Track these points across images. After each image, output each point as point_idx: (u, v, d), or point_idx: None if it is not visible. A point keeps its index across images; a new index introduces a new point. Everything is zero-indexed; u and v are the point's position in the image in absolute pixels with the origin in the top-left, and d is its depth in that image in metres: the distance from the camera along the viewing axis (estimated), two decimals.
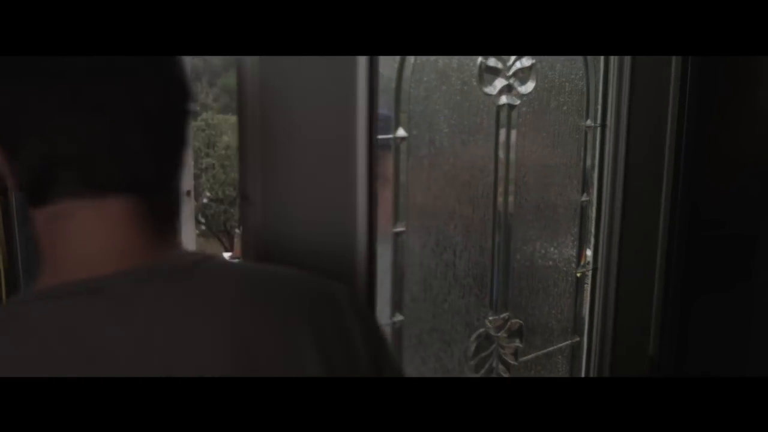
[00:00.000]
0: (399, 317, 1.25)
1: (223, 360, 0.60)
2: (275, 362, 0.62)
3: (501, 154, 1.36)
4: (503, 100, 1.34)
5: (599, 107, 1.52)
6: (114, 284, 0.60)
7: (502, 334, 1.42)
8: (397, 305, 1.25)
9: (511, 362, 1.45)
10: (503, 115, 1.35)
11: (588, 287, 1.58)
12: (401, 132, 1.22)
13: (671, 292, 1.63)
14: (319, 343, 0.64)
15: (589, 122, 1.51)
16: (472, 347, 1.38)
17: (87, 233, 0.62)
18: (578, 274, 1.57)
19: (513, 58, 1.35)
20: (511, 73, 1.35)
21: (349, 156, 1.05)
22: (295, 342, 0.64)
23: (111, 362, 0.57)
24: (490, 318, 1.40)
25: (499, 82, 1.33)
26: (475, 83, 1.30)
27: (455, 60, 1.27)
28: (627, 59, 1.48)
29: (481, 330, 1.39)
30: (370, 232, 1.09)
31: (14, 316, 0.60)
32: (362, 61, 1.04)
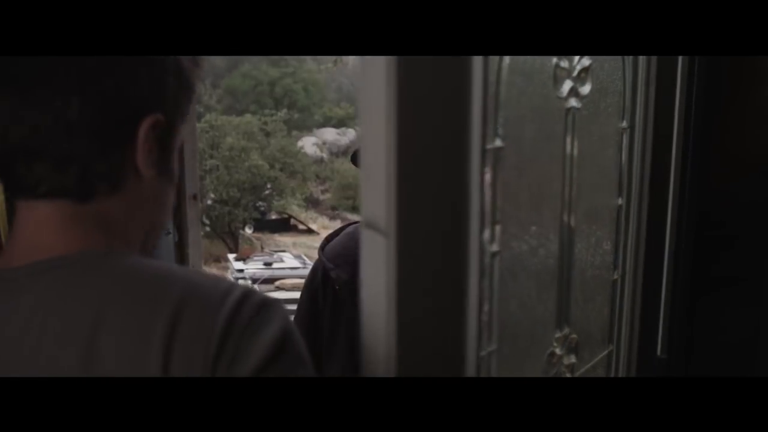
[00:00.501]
0: (491, 347, 1.07)
1: (72, 351, 0.63)
2: (117, 357, 0.63)
3: (568, 160, 1.26)
4: (571, 103, 1.25)
5: (629, 108, 1.46)
6: (10, 275, 0.67)
7: (564, 350, 1.34)
8: (488, 332, 1.08)
9: None
10: (570, 119, 1.25)
11: (619, 293, 1.53)
12: (498, 142, 1.06)
13: (679, 293, 1.63)
14: (164, 358, 0.62)
15: (624, 124, 1.45)
16: (543, 368, 1.29)
17: (21, 227, 0.69)
18: (614, 279, 1.51)
19: (577, 58, 1.25)
20: (575, 74, 1.25)
21: (463, 170, 0.90)
22: (139, 352, 0.63)
23: None
24: (557, 335, 1.31)
25: (567, 84, 1.23)
26: (550, 86, 1.19)
27: (537, 61, 1.16)
28: (654, 59, 1.44)
29: (550, 349, 1.30)
30: (481, 252, 0.95)
31: None
32: (478, 66, 0.90)
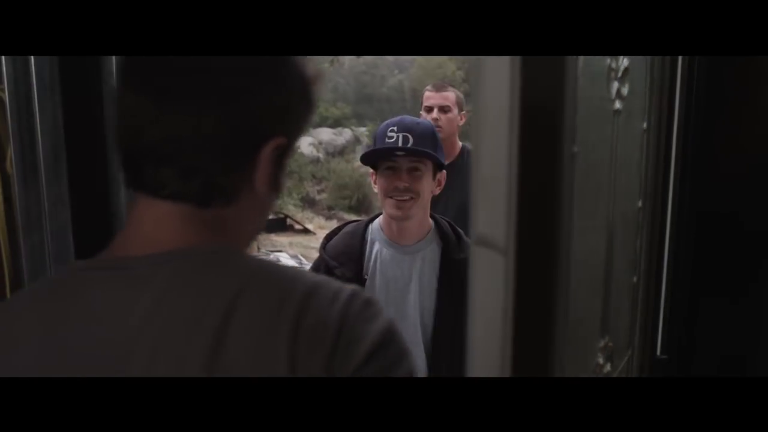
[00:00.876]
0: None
1: (200, 340, 0.66)
2: (243, 364, 0.66)
3: (613, 164, 1.25)
4: (617, 104, 1.23)
5: (647, 109, 1.45)
6: (133, 263, 0.70)
7: (604, 359, 1.33)
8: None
9: None
10: (616, 120, 1.24)
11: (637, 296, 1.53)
12: (575, 147, 1.02)
13: (679, 293, 1.62)
14: (290, 347, 0.66)
15: (644, 125, 1.45)
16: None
17: (140, 221, 0.73)
18: (634, 282, 1.51)
19: (621, 58, 1.22)
20: (620, 74, 1.23)
21: (561, 178, 0.84)
22: (268, 341, 0.66)
23: (117, 327, 0.67)
24: (600, 345, 1.29)
25: (614, 86, 1.21)
26: (604, 87, 1.17)
27: (597, 61, 1.13)
28: (661, 59, 1.43)
29: (595, 360, 1.29)
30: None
31: (65, 277, 0.75)
32: (572, 66, 0.86)
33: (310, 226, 25.63)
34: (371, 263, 1.87)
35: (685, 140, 1.56)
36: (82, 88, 1.30)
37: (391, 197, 1.81)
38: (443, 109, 3.16)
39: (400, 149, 1.77)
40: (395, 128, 1.81)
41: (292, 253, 17.66)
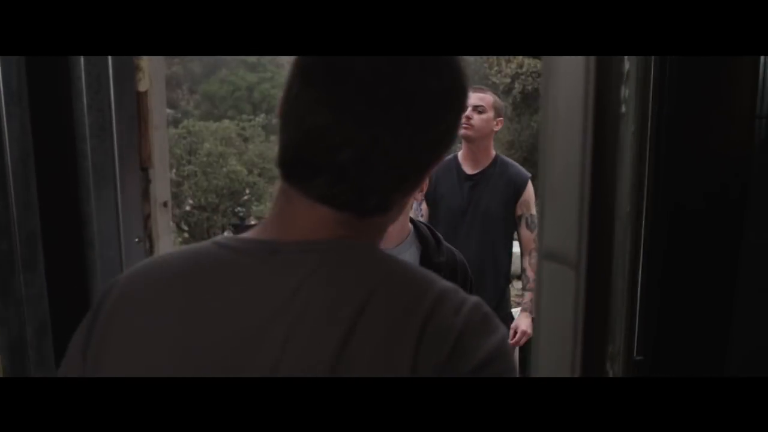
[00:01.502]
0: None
1: (335, 329, 0.67)
2: (370, 356, 0.67)
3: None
4: (623, 108, 1.20)
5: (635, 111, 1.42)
6: (288, 248, 0.73)
7: (609, 365, 1.29)
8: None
9: None
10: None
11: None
12: None
13: (652, 294, 1.62)
14: (416, 357, 0.67)
15: (633, 128, 1.42)
16: None
17: (294, 217, 0.75)
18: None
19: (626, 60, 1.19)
20: (626, 77, 1.20)
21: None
22: (394, 340, 0.67)
23: (257, 306, 0.70)
24: (609, 350, 1.25)
25: (623, 90, 1.19)
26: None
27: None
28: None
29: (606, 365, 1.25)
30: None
31: (207, 253, 0.76)
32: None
33: None
34: None
35: (658, 140, 1.56)
36: (50, 94, 1.26)
37: None
38: (477, 109, 3.00)
39: None
40: None
41: None
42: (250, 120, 25.12)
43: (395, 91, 0.69)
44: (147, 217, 1.41)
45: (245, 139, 23.25)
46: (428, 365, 0.68)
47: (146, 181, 1.43)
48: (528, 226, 3.09)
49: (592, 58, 0.70)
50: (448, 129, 0.75)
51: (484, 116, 3.03)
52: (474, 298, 0.74)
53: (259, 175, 21.96)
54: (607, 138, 0.71)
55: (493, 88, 20.73)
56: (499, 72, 17.53)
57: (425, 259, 1.91)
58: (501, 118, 3.09)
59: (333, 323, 0.69)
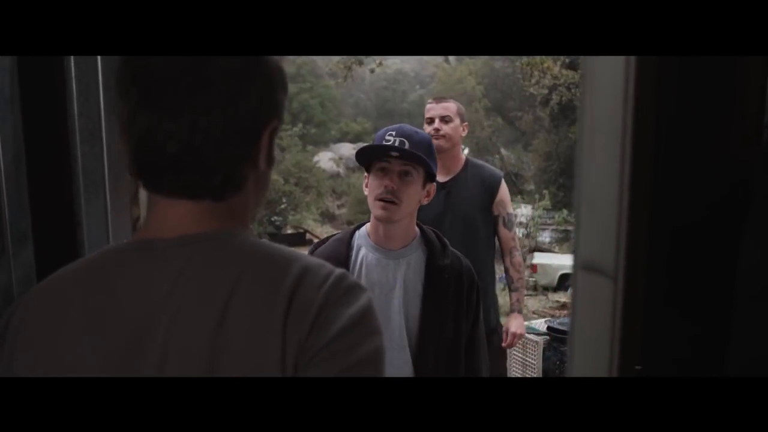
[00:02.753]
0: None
1: (210, 311, 0.76)
2: (244, 336, 0.75)
3: None
4: None
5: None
6: (164, 244, 0.80)
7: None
8: None
9: None
10: None
11: None
12: None
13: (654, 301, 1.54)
14: (284, 331, 0.75)
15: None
16: None
17: (164, 216, 0.82)
18: None
19: None
20: None
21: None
22: (265, 314, 0.75)
23: (144, 300, 0.78)
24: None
25: None
26: None
27: None
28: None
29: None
30: None
31: (101, 257, 0.84)
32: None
33: None
34: (356, 268, 1.87)
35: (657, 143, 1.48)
36: (42, 101, 1.30)
37: (379, 199, 1.81)
38: (444, 119, 3.05)
39: (395, 149, 1.77)
40: (393, 132, 1.82)
41: None
42: (287, 130, 25.51)
43: (195, 79, 0.76)
44: (136, 221, 1.44)
45: (282, 149, 23.63)
46: (295, 334, 0.75)
47: (136, 186, 1.45)
48: (505, 225, 3.08)
49: (633, 66, 0.70)
50: (262, 99, 0.81)
51: (451, 125, 3.08)
52: (339, 271, 0.81)
53: (296, 184, 22.29)
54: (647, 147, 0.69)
55: (530, 99, 20.74)
56: (537, 83, 17.41)
57: (431, 263, 1.86)
58: (466, 123, 3.14)
59: (208, 305, 0.76)
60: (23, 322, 0.81)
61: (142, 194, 1.46)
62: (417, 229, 1.93)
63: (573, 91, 17.50)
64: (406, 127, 1.87)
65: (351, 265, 1.87)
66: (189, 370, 0.75)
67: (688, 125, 1.22)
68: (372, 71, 13.59)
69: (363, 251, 1.89)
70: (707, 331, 1.02)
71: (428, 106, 3.14)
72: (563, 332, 3.82)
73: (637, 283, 0.65)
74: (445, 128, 3.04)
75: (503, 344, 3.05)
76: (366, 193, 1.89)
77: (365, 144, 1.85)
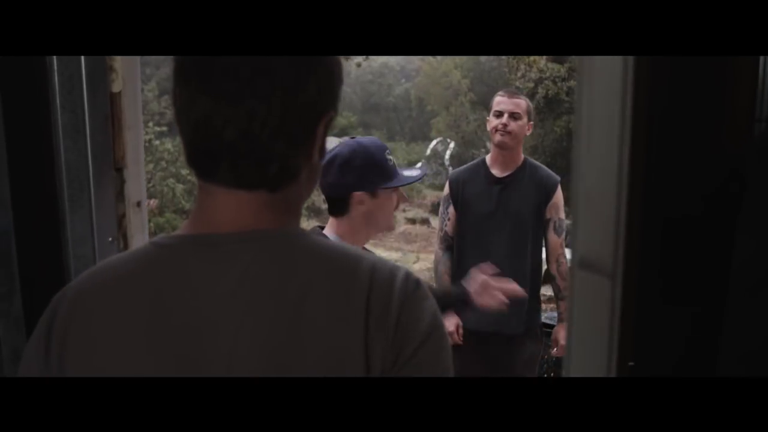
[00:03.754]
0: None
1: (285, 310, 0.75)
2: (321, 337, 0.74)
3: None
4: None
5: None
6: (221, 239, 0.79)
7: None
8: None
9: None
10: None
11: None
12: None
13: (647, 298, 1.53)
14: (367, 332, 0.74)
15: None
16: None
17: (217, 208, 0.81)
18: None
19: None
20: None
21: None
22: (346, 315, 0.75)
23: (202, 298, 0.76)
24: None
25: None
26: None
27: None
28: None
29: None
30: None
31: (147, 252, 0.82)
32: None
33: None
34: None
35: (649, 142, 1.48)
36: (24, 95, 1.28)
37: (394, 210, 1.93)
38: (513, 116, 2.98)
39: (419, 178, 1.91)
40: (388, 152, 1.90)
41: None
42: None
43: (256, 67, 0.76)
44: (121, 217, 1.43)
45: None
46: (377, 339, 0.75)
47: (120, 181, 1.45)
48: (555, 230, 3.05)
49: (630, 60, 0.69)
50: (320, 90, 0.81)
51: (519, 122, 3.02)
52: (403, 269, 0.82)
53: None
54: (642, 140, 0.69)
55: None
56: (523, 77, 17.43)
57: None
58: (531, 122, 3.09)
59: (279, 308, 0.75)
60: (73, 323, 0.79)
61: (128, 190, 1.45)
62: None
63: (559, 84, 17.56)
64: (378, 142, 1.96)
65: None
66: (258, 373, 0.74)
67: (681, 120, 1.22)
68: (358, 65, 13.57)
69: None
70: (705, 328, 1.02)
71: (498, 98, 3.04)
72: (552, 327, 3.80)
73: (634, 281, 0.64)
74: (513, 125, 2.98)
75: (553, 352, 3.09)
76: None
77: (396, 173, 1.92)
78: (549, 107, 18.37)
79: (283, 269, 0.78)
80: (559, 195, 3.04)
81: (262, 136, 0.77)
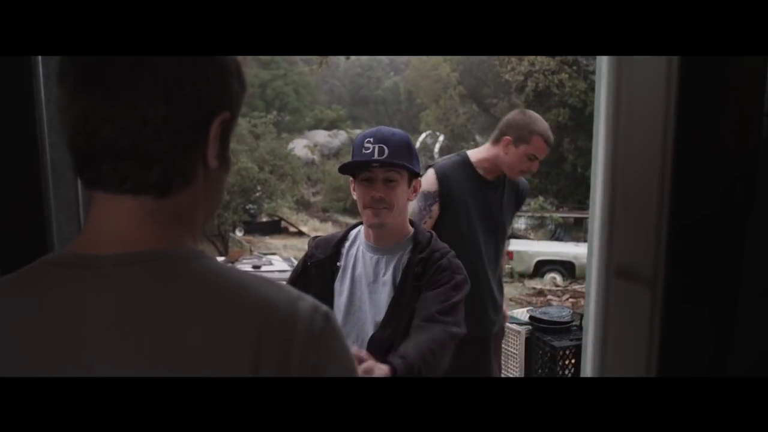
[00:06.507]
0: None
1: (157, 351, 0.70)
2: (204, 366, 0.69)
3: None
4: None
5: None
6: (100, 262, 0.73)
7: None
8: None
9: None
10: None
11: None
12: None
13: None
14: (254, 364, 0.70)
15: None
16: None
17: (102, 219, 0.75)
18: None
19: None
20: None
21: None
22: (230, 357, 0.70)
23: (78, 328, 0.71)
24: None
25: None
26: None
27: None
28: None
29: None
30: None
31: (33, 273, 0.76)
32: None
33: (304, 229, 25.58)
34: (346, 256, 1.99)
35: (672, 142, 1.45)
36: (7, 84, 1.22)
37: (367, 207, 1.89)
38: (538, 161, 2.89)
39: (375, 161, 1.85)
40: (371, 139, 1.88)
41: (285, 255, 17.65)
42: (261, 117, 25.26)
43: (136, 61, 0.71)
44: None
45: (257, 137, 23.39)
46: (280, 370, 0.71)
47: None
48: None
49: (675, 61, 0.69)
50: (211, 84, 0.76)
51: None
52: (309, 302, 0.76)
53: (271, 172, 22.08)
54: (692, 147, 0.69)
55: (506, 85, 20.78)
56: (512, 70, 17.43)
57: (412, 258, 1.93)
58: None
59: (155, 349, 0.70)
60: None
61: None
62: (411, 228, 2.01)
63: (549, 77, 17.59)
64: (383, 129, 1.93)
65: (343, 251, 1.99)
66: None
67: (698, 118, 1.18)
68: (347, 58, 13.49)
69: (356, 244, 2.00)
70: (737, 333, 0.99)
71: (541, 146, 2.82)
72: (546, 322, 3.80)
73: (676, 291, 0.59)
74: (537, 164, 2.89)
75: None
76: (355, 198, 1.97)
77: (346, 161, 1.93)
78: (538, 100, 18.40)
79: (165, 301, 0.72)
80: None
81: (143, 132, 0.72)
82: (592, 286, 0.78)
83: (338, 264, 1.99)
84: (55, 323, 0.72)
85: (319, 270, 1.97)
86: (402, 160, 1.86)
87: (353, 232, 2.03)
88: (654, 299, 0.60)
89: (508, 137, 2.82)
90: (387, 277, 1.92)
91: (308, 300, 0.76)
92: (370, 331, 1.90)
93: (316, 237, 2.12)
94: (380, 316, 1.89)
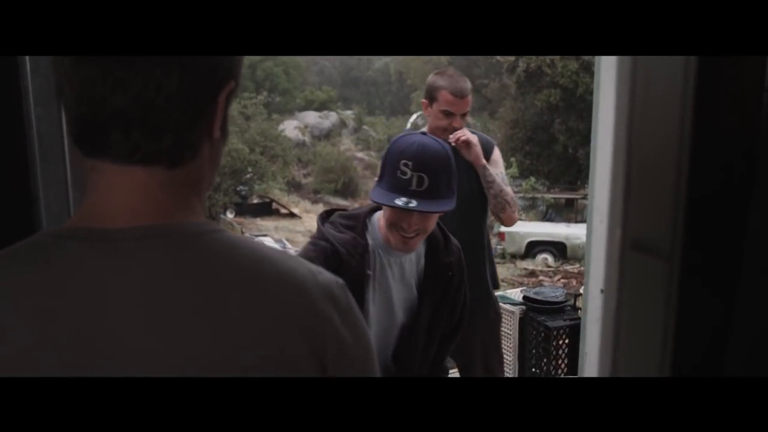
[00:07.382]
0: None
1: (195, 330, 0.69)
2: (253, 346, 0.70)
3: None
4: None
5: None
6: (117, 235, 0.71)
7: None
8: None
9: None
10: None
11: None
12: None
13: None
14: (304, 337, 0.72)
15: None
16: None
17: (111, 190, 0.73)
18: None
19: None
20: None
21: None
22: (270, 331, 0.71)
23: (100, 303, 0.69)
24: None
25: None
26: None
27: None
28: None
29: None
30: None
31: (38, 246, 0.73)
32: None
33: (295, 210, 25.57)
34: (373, 263, 1.76)
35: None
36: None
37: (398, 232, 1.67)
38: (464, 115, 2.73)
39: (414, 209, 1.59)
40: (410, 164, 1.58)
41: (277, 237, 17.67)
42: (251, 98, 25.17)
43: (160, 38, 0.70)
44: None
45: (247, 118, 23.32)
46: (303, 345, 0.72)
47: None
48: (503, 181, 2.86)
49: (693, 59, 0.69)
50: (219, 60, 0.75)
51: (467, 117, 2.75)
52: (333, 280, 0.78)
53: (261, 153, 22.04)
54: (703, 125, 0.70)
55: (496, 66, 20.71)
56: None
57: (430, 258, 1.80)
58: None
59: (190, 311, 0.70)
60: None
61: None
62: None
63: (541, 57, 17.53)
64: (424, 150, 1.61)
65: (367, 261, 1.75)
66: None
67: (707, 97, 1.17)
68: None
69: (371, 244, 1.76)
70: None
71: (449, 98, 2.68)
72: (539, 302, 3.80)
73: (694, 264, 0.57)
74: (461, 123, 2.73)
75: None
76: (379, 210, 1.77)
77: (381, 192, 1.66)
78: (530, 81, 18.38)
79: (192, 275, 0.72)
80: (497, 154, 2.87)
81: (157, 100, 0.70)
82: (600, 261, 0.76)
83: (368, 272, 1.74)
84: (72, 297, 0.70)
85: (353, 283, 1.77)
86: (442, 196, 1.61)
87: (368, 232, 1.78)
88: (671, 272, 0.57)
89: (424, 101, 2.80)
90: (402, 277, 1.79)
91: (326, 273, 0.77)
92: (397, 333, 1.79)
93: (326, 216, 1.85)
94: (408, 318, 1.78)
